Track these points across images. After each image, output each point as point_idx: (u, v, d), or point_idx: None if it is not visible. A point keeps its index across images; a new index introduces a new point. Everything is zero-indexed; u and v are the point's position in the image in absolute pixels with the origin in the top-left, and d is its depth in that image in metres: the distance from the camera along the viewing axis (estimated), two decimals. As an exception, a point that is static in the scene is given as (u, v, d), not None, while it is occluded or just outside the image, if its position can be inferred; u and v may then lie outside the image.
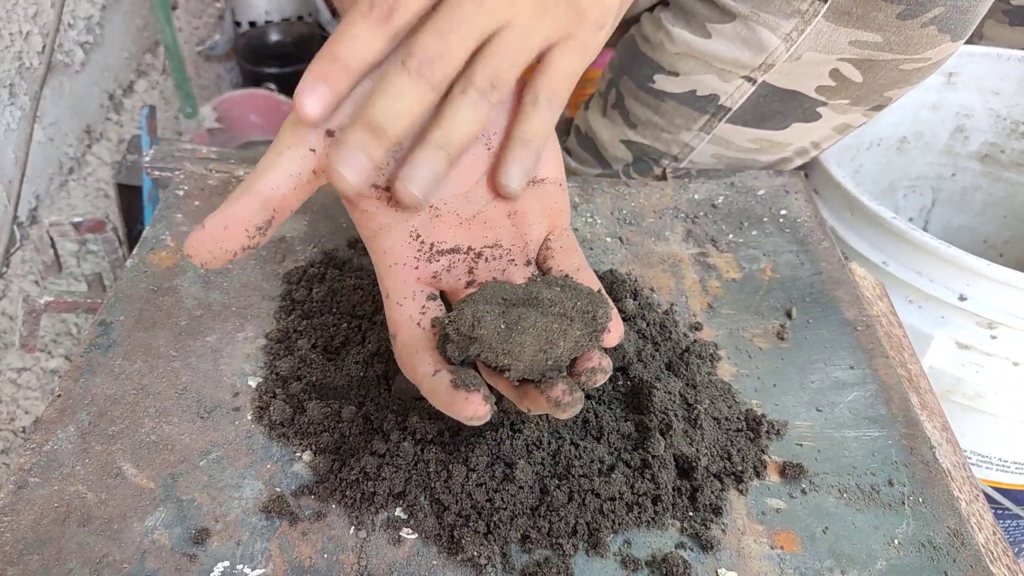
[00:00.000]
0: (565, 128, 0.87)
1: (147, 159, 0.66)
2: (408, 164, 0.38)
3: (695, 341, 0.55)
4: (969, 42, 0.94)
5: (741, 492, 0.47)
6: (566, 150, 0.83)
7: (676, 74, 0.69)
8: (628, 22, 0.79)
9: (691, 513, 0.45)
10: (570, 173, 0.80)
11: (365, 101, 0.37)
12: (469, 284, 0.42)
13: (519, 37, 0.38)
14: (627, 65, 0.73)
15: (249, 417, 0.48)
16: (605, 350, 0.39)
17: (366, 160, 0.37)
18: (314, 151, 0.38)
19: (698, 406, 0.48)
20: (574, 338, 0.37)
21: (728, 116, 0.69)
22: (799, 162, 0.75)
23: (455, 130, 0.38)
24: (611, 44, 0.83)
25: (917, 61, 0.61)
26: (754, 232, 0.66)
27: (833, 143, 0.73)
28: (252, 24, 1.42)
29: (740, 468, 0.47)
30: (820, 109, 0.68)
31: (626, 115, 0.75)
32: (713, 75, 0.67)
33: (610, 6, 0.40)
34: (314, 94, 0.36)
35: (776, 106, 0.68)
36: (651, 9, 0.72)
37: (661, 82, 0.70)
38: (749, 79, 0.66)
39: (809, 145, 0.72)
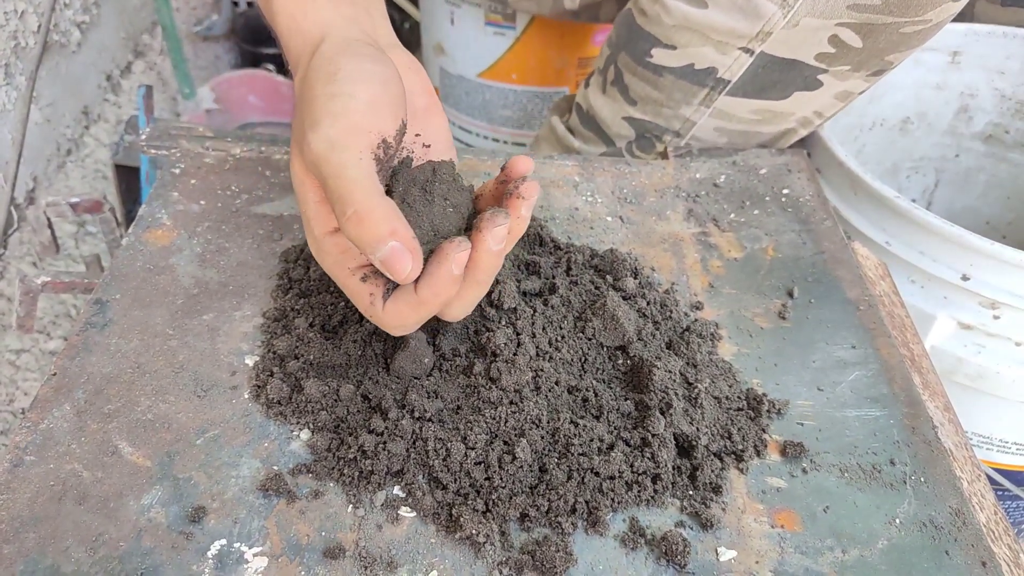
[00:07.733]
0: (567, 106, 0.86)
1: (143, 137, 0.66)
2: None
3: (696, 320, 0.54)
4: (960, 21, 0.92)
5: (741, 471, 0.46)
6: (569, 129, 0.82)
7: (673, 47, 0.68)
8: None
9: (691, 492, 0.45)
10: (574, 154, 0.79)
11: None
12: None
13: None
14: (624, 40, 0.72)
15: (246, 395, 0.48)
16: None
17: None
18: None
19: (698, 385, 0.48)
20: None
21: (728, 88, 0.69)
22: (803, 133, 0.74)
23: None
24: (608, 19, 0.82)
25: (918, 23, 0.60)
26: (756, 211, 0.66)
27: (836, 111, 0.72)
28: (250, 4, 1.41)
29: (740, 447, 0.47)
30: (821, 76, 0.67)
31: (625, 92, 0.74)
32: (710, 47, 0.66)
33: None
34: None
35: (776, 76, 0.67)
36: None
37: (659, 56, 0.69)
38: (747, 50, 0.65)
39: (812, 114, 0.71)
